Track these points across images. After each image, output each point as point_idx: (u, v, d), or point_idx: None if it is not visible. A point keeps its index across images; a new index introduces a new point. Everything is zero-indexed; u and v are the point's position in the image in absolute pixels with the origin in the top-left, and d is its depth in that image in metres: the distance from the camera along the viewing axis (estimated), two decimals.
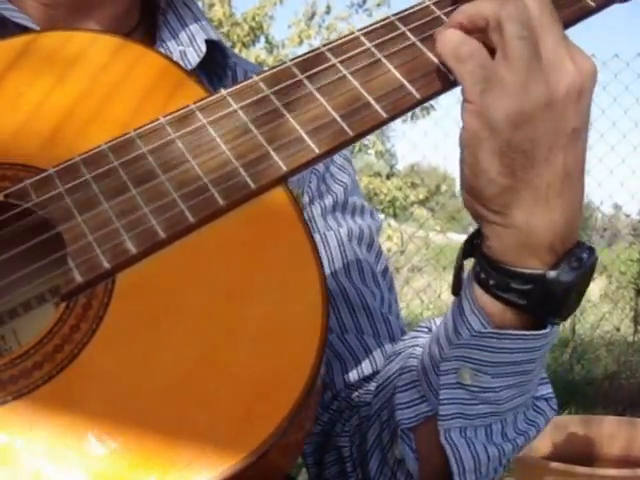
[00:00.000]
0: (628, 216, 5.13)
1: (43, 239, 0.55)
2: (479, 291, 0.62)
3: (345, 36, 0.62)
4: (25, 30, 0.71)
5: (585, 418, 2.66)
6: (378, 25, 0.62)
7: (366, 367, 0.79)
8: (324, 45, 0.62)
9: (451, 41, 0.58)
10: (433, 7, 0.62)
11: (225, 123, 0.59)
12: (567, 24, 0.61)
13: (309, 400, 0.51)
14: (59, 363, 0.52)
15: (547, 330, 0.61)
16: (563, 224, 0.59)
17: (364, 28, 0.62)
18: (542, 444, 2.35)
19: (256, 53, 6.64)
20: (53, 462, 0.48)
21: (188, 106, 0.60)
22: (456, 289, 0.65)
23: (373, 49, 0.61)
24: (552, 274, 0.59)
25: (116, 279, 0.54)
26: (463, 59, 0.57)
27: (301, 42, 6.96)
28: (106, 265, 0.54)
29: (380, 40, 0.61)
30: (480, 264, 0.62)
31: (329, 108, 0.59)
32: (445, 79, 0.59)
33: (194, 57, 0.77)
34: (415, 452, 0.67)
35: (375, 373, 0.78)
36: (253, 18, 6.57)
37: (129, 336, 0.52)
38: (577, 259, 0.60)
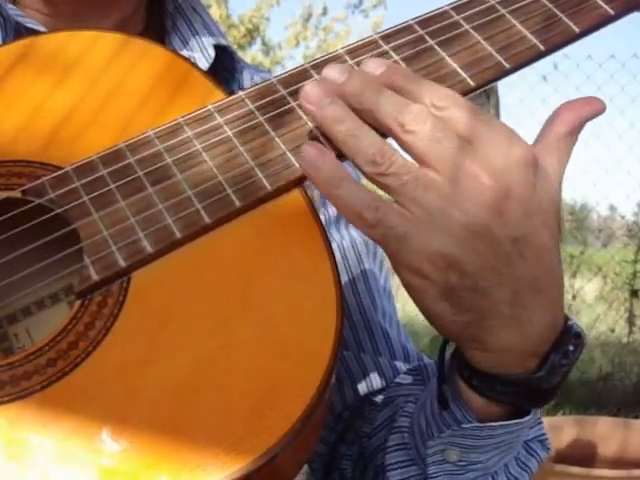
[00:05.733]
0: (623, 217, 5.15)
1: (59, 236, 0.55)
2: (462, 385, 0.60)
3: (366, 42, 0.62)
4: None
5: (579, 419, 2.66)
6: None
7: (362, 388, 0.78)
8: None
9: (355, 205, 0.53)
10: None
11: (242, 123, 0.59)
12: (586, 32, 0.61)
13: (322, 402, 0.51)
14: (73, 360, 0.52)
15: (530, 417, 0.60)
16: (543, 330, 0.55)
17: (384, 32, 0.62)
18: None
19: (252, 55, 6.64)
20: (65, 459, 0.48)
21: (206, 106, 0.60)
22: (443, 398, 0.62)
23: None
24: (538, 376, 0.57)
25: (132, 277, 0.54)
26: (370, 226, 0.52)
27: (297, 43, 6.96)
28: (122, 263, 0.54)
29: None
30: (462, 364, 0.59)
31: None
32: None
33: (203, 62, 0.77)
34: None
35: (372, 394, 0.78)
36: (250, 20, 6.56)
37: (144, 334, 0.52)
38: (564, 355, 0.57)
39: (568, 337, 0.57)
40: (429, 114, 0.52)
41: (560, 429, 2.51)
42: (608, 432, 2.56)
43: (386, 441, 0.69)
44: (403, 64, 0.59)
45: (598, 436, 2.56)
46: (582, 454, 2.51)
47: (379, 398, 0.77)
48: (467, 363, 0.58)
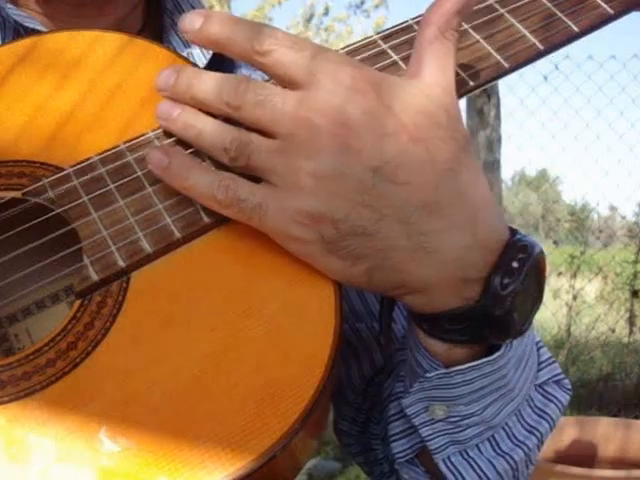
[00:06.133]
0: (624, 217, 5.15)
1: (59, 236, 0.55)
2: (420, 333, 0.56)
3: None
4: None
5: (580, 419, 2.67)
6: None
7: (378, 358, 0.75)
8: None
9: (207, 190, 0.53)
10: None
11: None
12: (585, 31, 0.61)
13: (321, 401, 0.51)
14: (72, 360, 0.52)
15: (500, 352, 0.55)
16: (463, 253, 0.51)
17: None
18: None
19: None
20: (64, 459, 0.48)
21: None
22: (385, 338, 0.60)
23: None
24: (481, 304, 0.52)
25: (131, 277, 0.54)
26: (226, 205, 0.52)
27: None
28: (121, 263, 0.54)
29: None
30: (409, 312, 0.57)
31: None
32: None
33: (201, 59, 0.77)
34: (427, 473, 0.64)
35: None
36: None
37: (143, 335, 0.53)
38: (506, 274, 0.52)
39: (511, 253, 0.52)
40: (246, 82, 0.52)
41: (560, 429, 2.52)
42: (608, 433, 2.57)
43: (389, 412, 0.65)
44: (402, 64, 0.59)
45: (598, 436, 2.57)
46: (582, 454, 2.51)
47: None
48: (409, 310, 0.56)
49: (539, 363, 0.63)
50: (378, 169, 0.49)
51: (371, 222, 0.50)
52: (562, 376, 0.63)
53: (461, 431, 0.59)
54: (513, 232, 0.54)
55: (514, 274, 0.52)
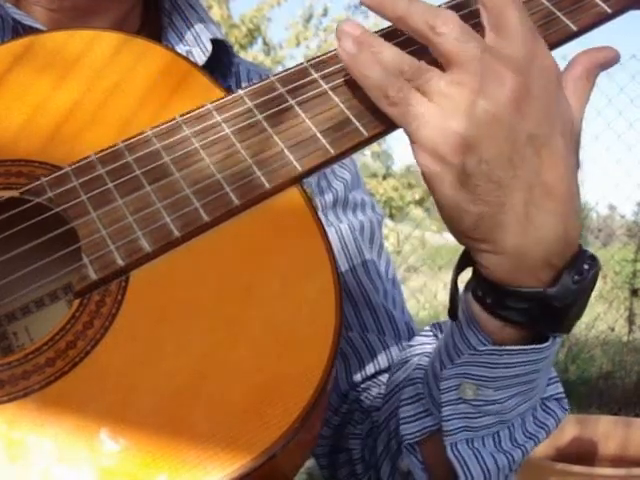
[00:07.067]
0: (623, 217, 5.16)
1: (57, 235, 0.55)
2: (476, 307, 0.60)
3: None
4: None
5: (581, 417, 2.66)
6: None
7: (369, 367, 0.78)
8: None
9: (381, 84, 0.56)
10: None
11: (240, 121, 0.59)
12: (583, 30, 0.61)
13: (321, 401, 0.51)
14: (71, 360, 0.52)
15: (549, 343, 0.59)
16: (555, 239, 0.56)
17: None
18: None
19: (254, 54, 6.67)
20: (64, 459, 0.48)
21: (204, 105, 0.60)
22: (453, 311, 0.62)
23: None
24: (551, 291, 0.57)
25: (130, 276, 0.54)
26: (393, 103, 0.56)
27: (298, 44, 6.99)
28: (120, 262, 0.54)
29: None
30: (476, 281, 0.60)
31: (342, 108, 0.59)
32: None
33: (200, 56, 0.77)
34: (423, 464, 0.67)
35: (378, 372, 0.78)
36: (251, 20, 6.59)
37: (142, 334, 0.52)
38: (578, 272, 0.57)
39: (583, 256, 0.58)
40: (458, 19, 0.55)
41: (561, 428, 2.50)
42: (609, 431, 2.56)
43: (400, 399, 0.68)
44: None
45: (599, 435, 2.56)
46: (583, 453, 2.51)
47: (385, 377, 0.76)
48: (481, 279, 0.59)
49: (549, 379, 0.67)
50: (533, 137, 0.55)
51: (507, 176, 0.54)
52: (562, 395, 0.68)
53: (478, 417, 0.62)
54: (580, 244, 0.59)
55: (583, 274, 0.57)
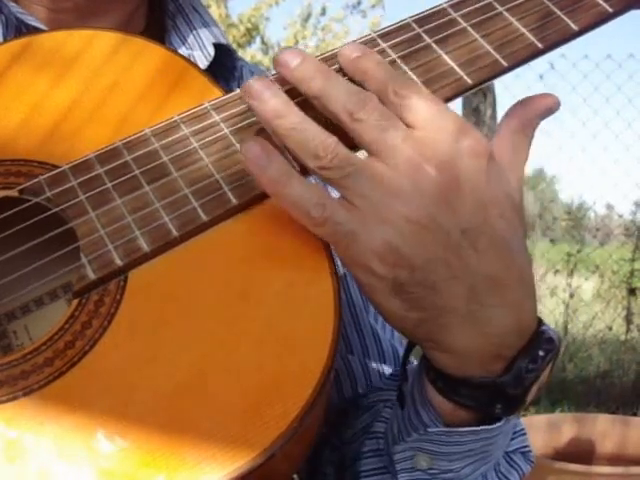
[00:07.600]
0: (621, 216, 5.16)
1: (56, 235, 0.55)
2: (430, 388, 0.58)
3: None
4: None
5: (578, 416, 2.67)
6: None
7: (347, 390, 0.77)
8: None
9: (303, 205, 0.51)
10: None
11: (238, 121, 0.59)
12: (584, 29, 0.61)
13: (320, 400, 0.51)
14: (70, 359, 0.52)
15: (500, 423, 0.57)
16: (506, 332, 0.53)
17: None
18: (535, 442, 2.36)
19: (252, 53, 6.68)
20: (61, 459, 0.48)
21: (202, 104, 0.60)
22: (401, 399, 0.61)
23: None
24: (503, 380, 0.55)
25: (129, 276, 0.54)
26: (318, 224, 0.51)
27: (296, 43, 7.01)
28: (118, 262, 0.54)
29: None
30: (426, 366, 0.58)
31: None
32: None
33: (202, 60, 0.77)
34: None
35: (357, 397, 0.77)
36: (249, 19, 6.60)
37: (140, 334, 0.52)
38: (532, 360, 0.55)
39: (539, 342, 0.55)
40: (377, 103, 0.52)
41: (559, 426, 2.52)
42: (606, 429, 2.57)
43: (363, 447, 0.67)
44: (400, 62, 0.59)
45: (597, 433, 2.57)
46: (581, 451, 2.52)
47: (362, 402, 0.75)
48: (430, 365, 0.57)
49: (513, 432, 0.65)
50: (467, 231, 0.51)
51: (443, 279, 0.51)
52: (529, 449, 0.67)
53: None
54: (539, 321, 0.57)
55: (538, 362, 0.55)
